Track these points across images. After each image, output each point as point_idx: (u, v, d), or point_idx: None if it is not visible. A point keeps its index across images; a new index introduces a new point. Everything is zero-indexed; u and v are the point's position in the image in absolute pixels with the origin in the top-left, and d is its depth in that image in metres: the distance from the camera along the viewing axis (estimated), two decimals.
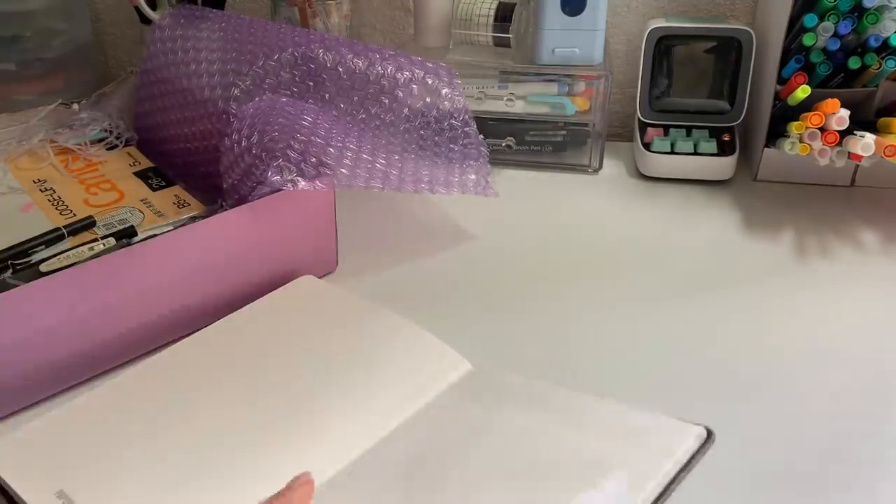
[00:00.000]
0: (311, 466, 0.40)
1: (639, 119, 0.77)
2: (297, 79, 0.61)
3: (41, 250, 0.56)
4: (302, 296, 0.53)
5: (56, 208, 0.61)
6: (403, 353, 0.48)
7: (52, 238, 0.56)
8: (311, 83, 0.61)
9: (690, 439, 0.40)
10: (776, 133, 0.70)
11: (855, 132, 0.61)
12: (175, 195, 0.63)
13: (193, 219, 0.60)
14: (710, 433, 0.40)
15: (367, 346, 0.48)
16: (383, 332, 0.49)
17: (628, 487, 0.37)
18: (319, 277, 0.59)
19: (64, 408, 0.43)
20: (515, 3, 0.75)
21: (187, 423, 0.42)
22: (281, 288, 0.54)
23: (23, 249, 0.55)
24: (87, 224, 0.59)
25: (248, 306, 0.52)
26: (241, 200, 0.55)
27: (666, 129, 0.76)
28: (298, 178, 0.52)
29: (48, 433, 0.42)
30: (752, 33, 0.73)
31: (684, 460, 0.39)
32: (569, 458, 0.39)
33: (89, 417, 0.43)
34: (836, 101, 0.61)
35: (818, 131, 0.62)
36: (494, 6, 0.75)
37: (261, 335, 0.49)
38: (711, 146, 0.74)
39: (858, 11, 0.64)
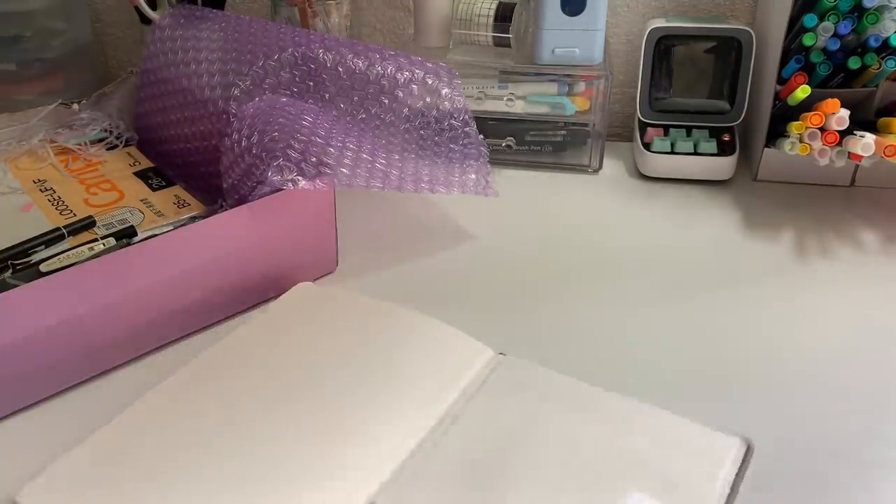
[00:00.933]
0: (363, 470, 0.39)
1: (639, 119, 0.77)
2: (297, 79, 0.61)
3: (41, 250, 0.56)
4: (306, 303, 0.53)
5: (56, 208, 0.61)
6: (425, 346, 0.47)
7: (52, 238, 0.56)
8: (311, 83, 0.61)
9: (733, 450, 0.40)
10: (776, 133, 0.70)
11: (855, 132, 0.61)
12: (175, 195, 0.63)
13: (193, 219, 0.60)
14: (749, 446, 0.40)
15: (388, 343, 0.48)
16: (399, 328, 0.49)
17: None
18: (319, 277, 0.59)
19: (93, 437, 0.42)
20: (515, 3, 0.75)
21: (228, 438, 0.41)
22: (280, 298, 0.53)
23: (23, 249, 0.55)
24: (87, 224, 0.59)
25: (252, 319, 0.51)
26: (241, 200, 0.55)
27: (666, 129, 0.76)
28: (299, 178, 0.52)
29: (80, 465, 0.40)
30: (752, 33, 0.73)
31: (734, 473, 0.39)
32: (625, 465, 0.39)
33: (122, 441, 0.42)
34: (836, 101, 0.61)
35: (818, 131, 0.62)
36: (494, 6, 0.75)
37: (276, 347, 0.48)
38: (711, 146, 0.74)
39: (858, 11, 0.64)
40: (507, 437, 0.41)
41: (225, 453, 0.40)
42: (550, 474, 0.39)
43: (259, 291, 0.56)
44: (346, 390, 0.44)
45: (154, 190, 0.64)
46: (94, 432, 0.42)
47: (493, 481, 0.39)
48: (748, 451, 0.40)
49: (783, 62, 0.68)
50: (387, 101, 0.61)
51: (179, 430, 0.42)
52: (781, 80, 0.69)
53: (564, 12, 0.72)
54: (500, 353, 0.48)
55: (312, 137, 0.54)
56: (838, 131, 0.61)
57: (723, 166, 0.73)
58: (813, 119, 0.62)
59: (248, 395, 0.44)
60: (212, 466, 0.40)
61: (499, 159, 0.78)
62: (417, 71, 0.62)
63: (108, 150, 0.70)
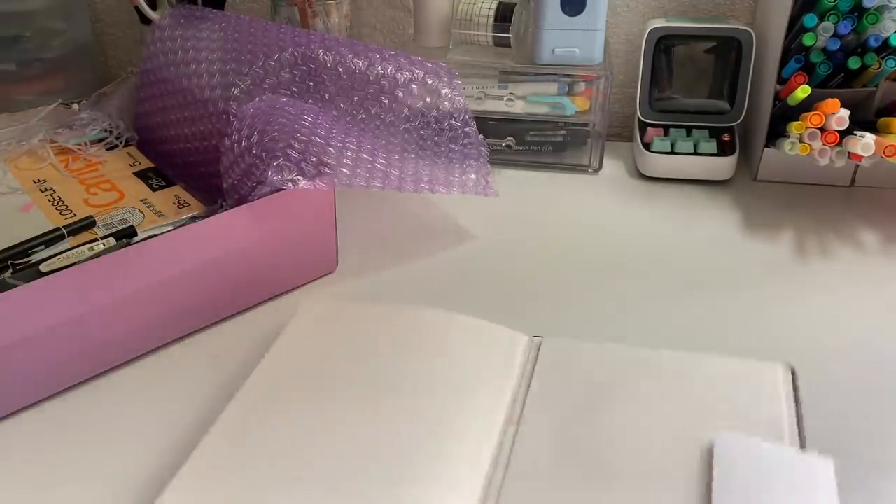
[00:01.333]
0: (465, 472, 0.38)
1: (639, 119, 0.77)
2: (297, 79, 0.61)
3: (41, 250, 0.56)
4: (330, 317, 0.51)
5: (56, 208, 0.61)
6: (463, 341, 0.47)
7: (52, 238, 0.56)
8: (311, 83, 0.61)
9: (780, 374, 0.43)
10: (776, 133, 0.70)
11: (855, 132, 0.61)
12: (175, 195, 0.63)
13: (193, 219, 0.60)
14: (792, 370, 0.43)
15: (428, 345, 0.47)
16: (429, 328, 0.48)
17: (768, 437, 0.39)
18: (319, 277, 0.59)
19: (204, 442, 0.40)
20: (515, 3, 0.75)
21: (325, 449, 0.40)
22: (298, 316, 0.50)
23: (23, 249, 0.55)
24: (87, 224, 0.59)
25: (278, 344, 0.48)
26: (241, 200, 0.55)
27: (666, 129, 0.76)
28: (299, 178, 0.52)
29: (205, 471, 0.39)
30: (752, 33, 0.73)
31: (792, 396, 0.42)
32: (698, 413, 0.41)
33: (230, 451, 0.40)
34: (836, 101, 0.61)
35: (818, 131, 0.62)
36: (494, 6, 0.75)
37: (323, 366, 0.46)
38: (711, 146, 0.74)
39: (858, 11, 0.64)
40: (580, 416, 0.41)
41: (330, 462, 0.39)
42: (640, 442, 0.40)
43: (259, 292, 0.56)
44: (411, 398, 0.43)
45: (154, 190, 0.64)
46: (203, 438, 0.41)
47: (591, 461, 0.39)
48: (794, 375, 0.43)
49: (783, 62, 0.68)
50: (387, 101, 0.61)
51: (275, 441, 0.40)
52: (781, 80, 0.69)
53: (564, 12, 0.72)
54: (536, 336, 0.48)
55: (312, 137, 0.54)
56: (838, 131, 0.61)
57: (723, 166, 0.73)
58: (813, 119, 0.62)
59: (320, 412, 0.42)
60: (327, 471, 0.38)
61: (499, 159, 0.78)
62: (417, 71, 0.62)
63: (108, 150, 0.70)
